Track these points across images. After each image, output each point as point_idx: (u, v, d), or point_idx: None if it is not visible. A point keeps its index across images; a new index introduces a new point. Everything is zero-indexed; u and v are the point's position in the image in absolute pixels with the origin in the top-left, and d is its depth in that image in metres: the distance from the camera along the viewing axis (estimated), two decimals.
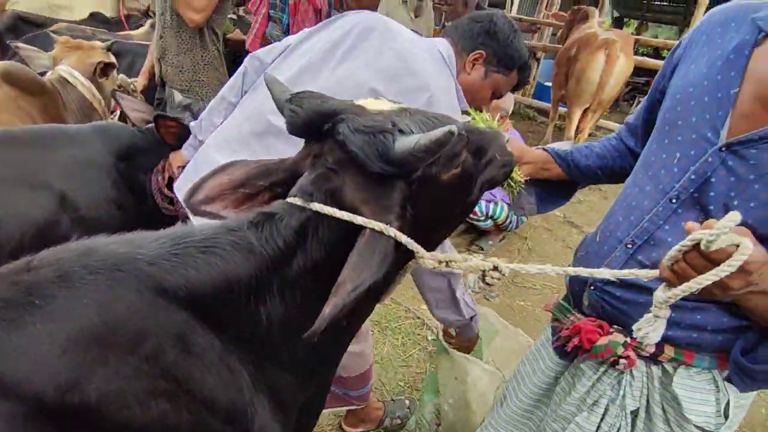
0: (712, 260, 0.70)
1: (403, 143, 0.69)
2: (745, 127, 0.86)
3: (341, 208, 0.75)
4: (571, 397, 1.08)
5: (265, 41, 3.21)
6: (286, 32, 3.24)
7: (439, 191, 0.83)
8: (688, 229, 0.72)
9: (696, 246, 0.71)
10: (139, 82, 3.05)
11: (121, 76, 2.98)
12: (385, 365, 2.56)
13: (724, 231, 0.67)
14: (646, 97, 1.15)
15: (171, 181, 1.84)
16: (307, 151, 0.84)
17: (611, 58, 4.09)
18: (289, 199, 0.79)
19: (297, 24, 3.26)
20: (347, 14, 1.46)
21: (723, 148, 0.87)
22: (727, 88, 0.88)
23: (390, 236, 0.72)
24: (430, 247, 1.01)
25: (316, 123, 0.76)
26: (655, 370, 1.00)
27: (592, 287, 1.04)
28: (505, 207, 3.50)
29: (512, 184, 1.25)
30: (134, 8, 5.36)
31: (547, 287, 3.36)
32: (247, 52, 3.44)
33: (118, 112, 2.98)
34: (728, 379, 0.93)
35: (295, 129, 0.79)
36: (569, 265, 1.20)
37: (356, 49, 1.33)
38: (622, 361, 0.96)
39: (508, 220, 3.61)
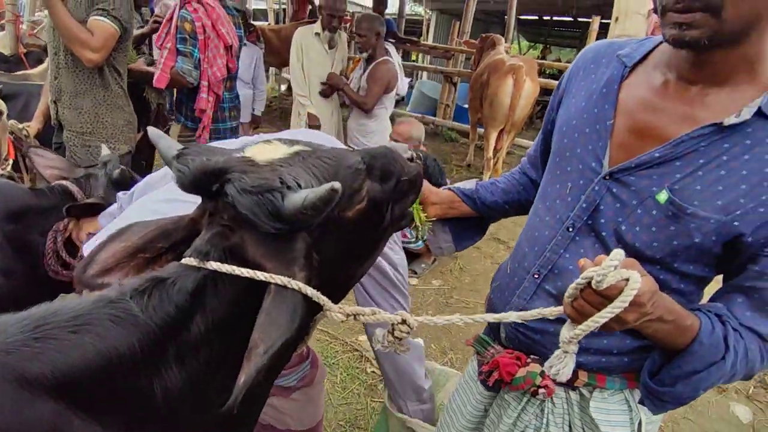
0: (606, 296, 0.73)
1: (292, 201, 0.66)
2: (623, 155, 0.91)
3: (244, 265, 0.72)
4: (500, 429, 1.08)
5: (176, 75, 3.08)
6: (197, 67, 3.13)
7: (348, 229, 0.81)
8: (581, 267, 0.75)
9: (590, 283, 0.73)
10: (32, 126, 2.80)
11: (12, 121, 2.72)
12: (325, 404, 2.46)
13: (610, 269, 0.70)
14: (540, 129, 1.21)
15: (71, 244, 1.68)
16: (203, 207, 0.81)
17: (518, 83, 4.37)
18: (183, 261, 0.74)
19: (208, 60, 3.16)
20: (304, 130, 1.51)
21: (606, 177, 0.92)
22: (603, 120, 0.94)
23: (295, 289, 0.70)
24: (355, 280, 0.99)
25: (203, 182, 0.72)
26: (573, 396, 1.02)
27: None
28: None
29: (420, 226, 1.26)
30: (34, 44, 5.04)
31: (480, 304, 3.43)
32: (150, 86, 3.28)
33: (11, 161, 2.71)
34: (641, 402, 0.97)
35: (184, 188, 0.75)
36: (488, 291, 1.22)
37: None
38: (541, 390, 0.97)
39: None
